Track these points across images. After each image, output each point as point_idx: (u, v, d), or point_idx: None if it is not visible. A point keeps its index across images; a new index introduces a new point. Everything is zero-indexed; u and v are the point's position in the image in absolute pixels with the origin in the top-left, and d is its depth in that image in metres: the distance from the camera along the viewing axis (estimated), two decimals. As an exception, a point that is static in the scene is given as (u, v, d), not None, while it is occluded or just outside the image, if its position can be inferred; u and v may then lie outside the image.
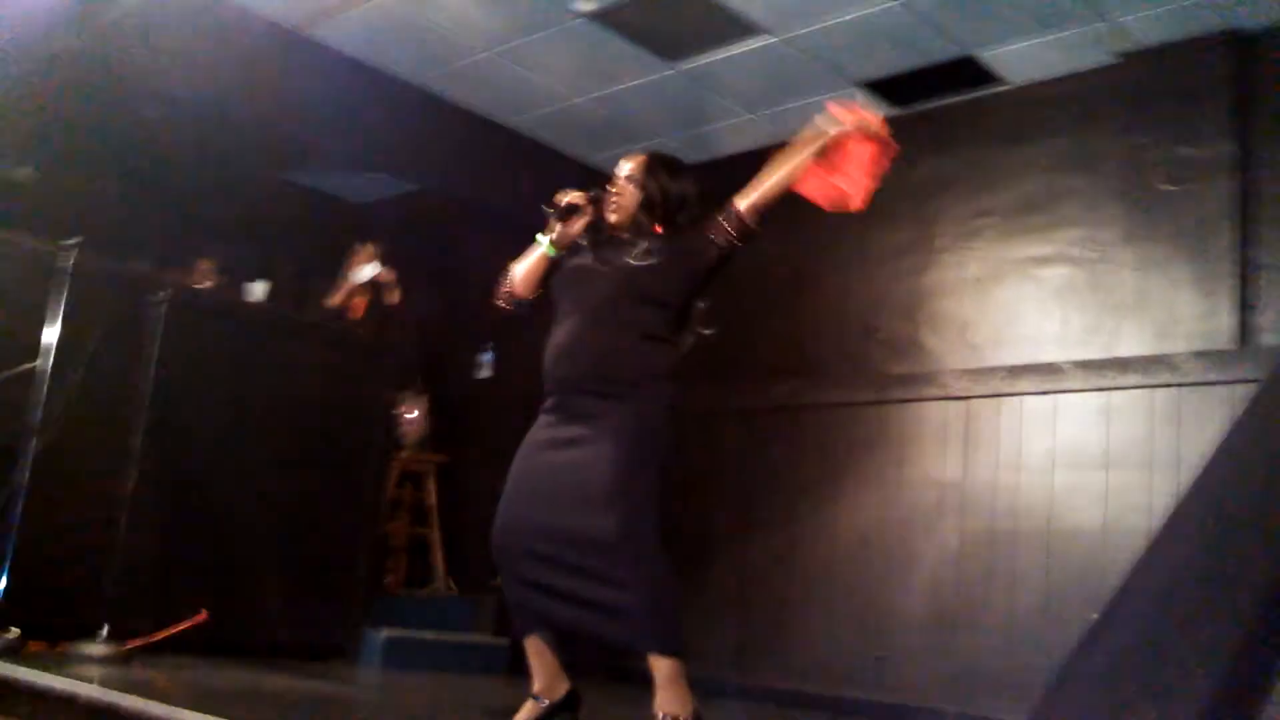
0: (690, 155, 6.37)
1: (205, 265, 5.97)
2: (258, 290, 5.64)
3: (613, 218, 3.18)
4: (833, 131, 3.17)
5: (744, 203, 3.11)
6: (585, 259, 3.19)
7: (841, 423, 5.53)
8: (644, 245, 3.10)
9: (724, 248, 3.06)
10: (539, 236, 3.24)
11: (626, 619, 2.86)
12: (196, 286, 5.62)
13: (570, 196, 3.22)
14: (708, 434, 5.94)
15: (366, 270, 6.01)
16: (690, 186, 3.24)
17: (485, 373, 6.28)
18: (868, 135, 3.13)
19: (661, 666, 2.84)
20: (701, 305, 3.16)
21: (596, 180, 3.35)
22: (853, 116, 3.15)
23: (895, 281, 5.58)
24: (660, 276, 3.06)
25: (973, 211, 5.38)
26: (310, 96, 5.72)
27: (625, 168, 3.23)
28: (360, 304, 6.13)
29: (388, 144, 6.11)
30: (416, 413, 6.26)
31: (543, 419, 3.12)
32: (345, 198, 7.76)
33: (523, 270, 3.23)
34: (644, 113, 6.06)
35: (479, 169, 6.41)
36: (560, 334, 3.12)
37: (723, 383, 5.93)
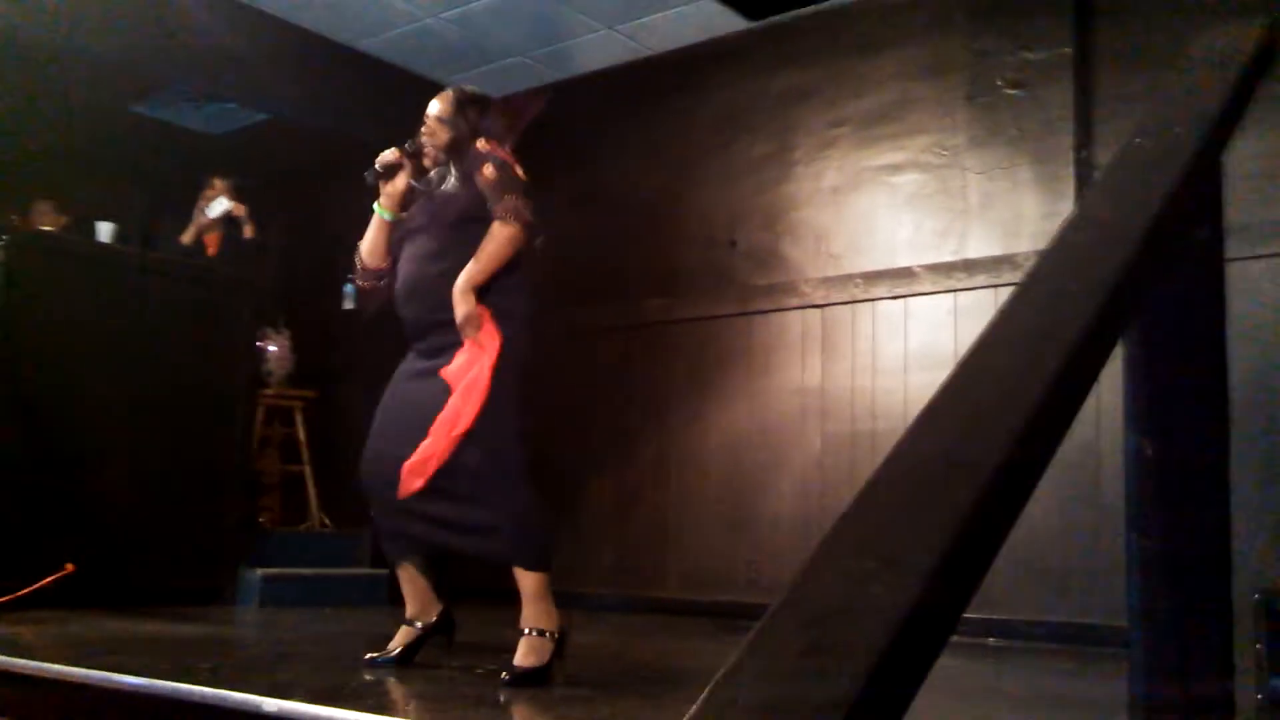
0: (550, 73, 6.32)
1: (44, 206, 5.73)
2: (105, 230, 5.43)
3: (427, 161, 3.22)
4: None
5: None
6: (418, 208, 3.23)
7: (709, 336, 5.62)
8: (445, 172, 3.15)
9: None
10: (375, 206, 3.28)
11: (493, 536, 2.93)
12: (38, 229, 5.38)
13: (387, 156, 3.24)
14: (579, 354, 5.98)
15: (219, 205, 5.83)
16: (499, 120, 3.28)
17: (350, 304, 6.18)
18: None
19: (527, 581, 2.90)
20: (539, 240, 3.18)
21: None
22: None
23: (756, 194, 5.64)
24: (463, 195, 3.10)
25: (828, 122, 5.46)
26: (153, 23, 5.47)
27: (434, 107, 3.28)
28: (214, 240, 5.95)
29: (236, 72, 5.89)
30: (280, 348, 6.14)
31: (410, 353, 3.22)
32: (196, 129, 7.48)
33: (367, 244, 3.29)
34: (500, 31, 5.95)
35: (333, 96, 6.24)
36: (400, 279, 3.18)
37: (592, 302, 5.97)
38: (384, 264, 3.28)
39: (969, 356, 0.90)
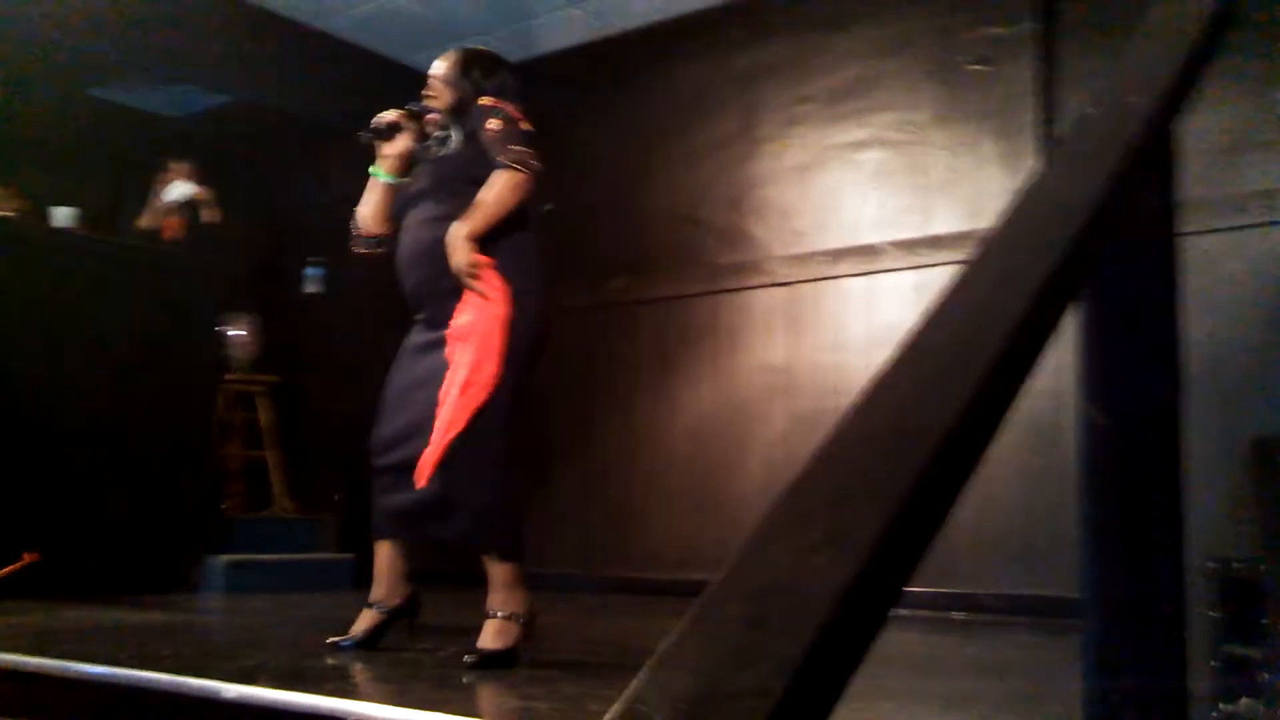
0: (515, 53, 6.25)
1: (2, 192, 5.64)
2: (63, 215, 5.35)
3: (431, 124, 3.13)
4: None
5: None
6: (421, 172, 3.12)
7: (674, 315, 5.61)
8: (448, 135, 3.06)
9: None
10: (371, 169, 3.17)
11: (466, 520, 2.87)
12: (-4, 215, 5.31)
13: (387, 116, 3.14)
14: (545, 335, 5.95)
15: (178, 189, 5.75)
16: (509, 80, 3.18)
17: (314, 288, 6.12)
18: None
19: (500, 570, 2.87)
20: (548, 207, 3.12)
21: (419, 83, 3.26)
22: None
23: (721, 173, 5.63)
24: (468, 154, 3.01)
25: (793, 99, 5.45)
26: (110, 5, 5.37)
27: (438, 67, 3.15)
28: (175, 224, 5.88)
29: (196, 53, 5.81)
30: (244, 333, 6.08)
31: (414, 326, 3.10)
32: (157, 112, 7.37)
33: (364, 208, 3.16)
34: (464, 10, 5.90)
35: (294, 77, 6.17)
36: (401, 246, 3.08)
37: (557, 282, 5.93)
38: (384, 229, 3.15)
39: (918, 328, 0.89)
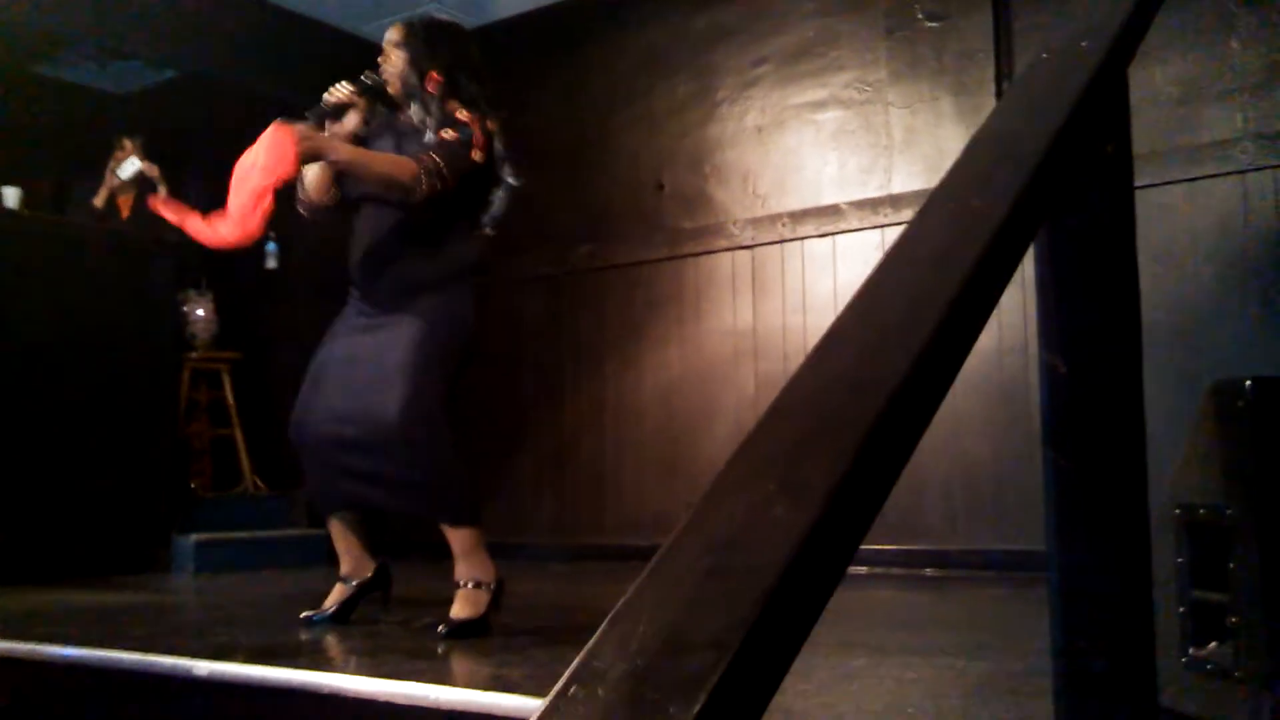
0: (468, 19, 6.18)
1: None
2: (10, 196, 5.25)
3: (390, 90, 3.10)
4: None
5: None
6: (378, 149, 3.08)
7: (639, 281, 5.60)
8: (420, 129, 3.03)
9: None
10: None
11: (419, 493, 2.90)
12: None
13: (335, 94, 3.10)
14: (510, 304, 5.93)
15: (130, 165, 5.66)
16: (463, 42, 3.16)
17: (272, 264, 6.06)
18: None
19: (457, 537, 2.89)
20: (514, 182, 3.10)
21: (371, 54, 3.21)
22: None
23: (681, 136, 5.60)
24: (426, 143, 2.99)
25: (750, 61, 5.42)
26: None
27: (391, 35, 3.13)
28: (128, 202, 5.79)
29: (139, 27, 5.70)
30: (203, 311, 6.02)
31: (351, 305, 3.12)
32: (103, 89, 7.25)
33: (308, 179, 3.13)
34: (414, -24, 5.82)
35: (243, 50, 6.06)
36: (357, 235, 3.08)
37: (521, 251, 5.90)
38: (326, 200, 3.14)
39: (872, 278, 0.89)
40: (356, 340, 3.02)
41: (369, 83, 3.10)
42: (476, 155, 2.96)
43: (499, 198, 3.09)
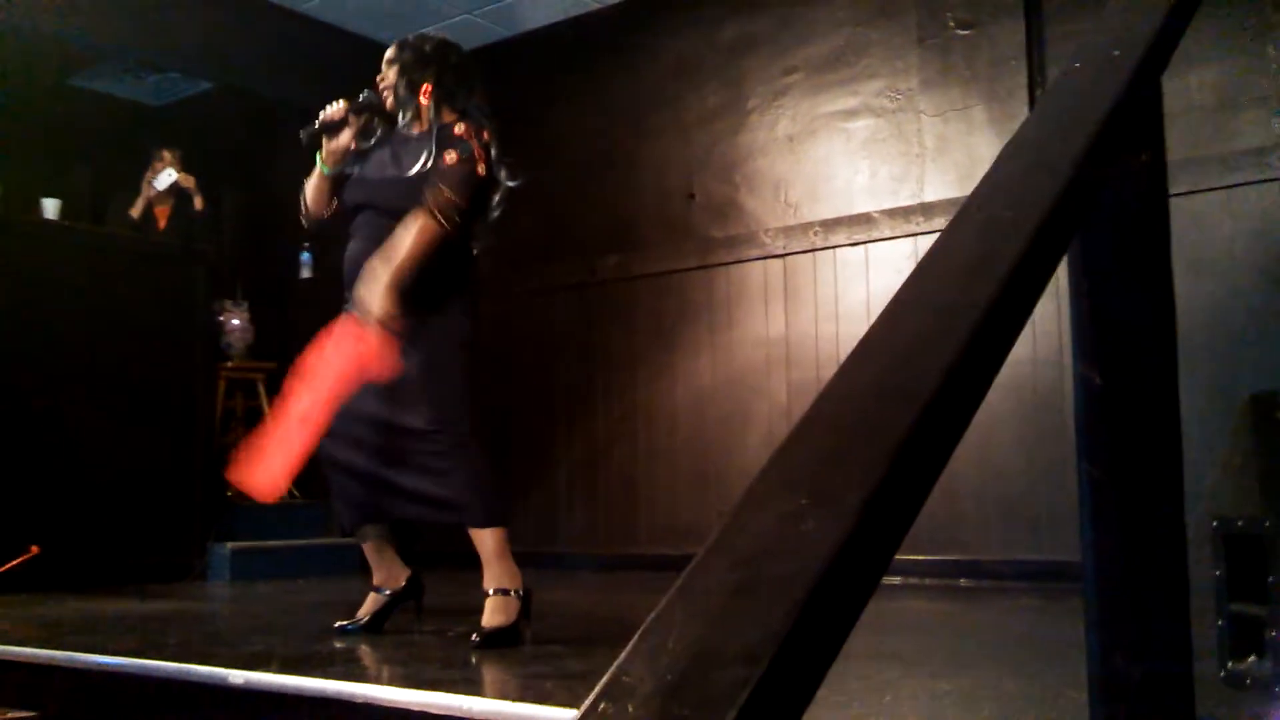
0: (497, 31, 6.22)
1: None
2: (50, 207, 5.33)
3: (387, 105, 3.14)
4: None
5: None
6: (376, 160, 3.13)
7: (670, 290, 5.60)
8: (420, 150, 3.05)
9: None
10: (316, 156, 3.20)
11: (449, 499, 2.91)
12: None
13: (327, 113, 3.14)
14: (540, 313, 5.94)
15: (167, 177, 5.72)
16: (454, 54, 3.20)
17: (305, 273, 6.10)
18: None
19: (485, 541, 2.90)
20: (512, 183, 3.12)
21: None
22: None
23: (711, 145, 5.60)
24: (430, 178, 3.01)
25: (781, 70, 5.41)
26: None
27: (387, 53, 3.21)
28: (164, 213, 5.86)
29: (176, 41, 5.77)
30: (239, 320, 6.07)
31: (350, 317, 3.10)
32: (140, 101, 7.34)
33: (309, 193, 3.21)
34: (444, -11, 5.86)
35: (277, 62, 6.12)
36: (352, 251, 3.09)
37: (551, 260, 5.93)
38: (326, 213, 3.22)
39: (904, 288, 0.89)
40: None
41: (364, 100, 3.15)
42: (480, 169, 3.00)
43: (497, 201, 3.11)
